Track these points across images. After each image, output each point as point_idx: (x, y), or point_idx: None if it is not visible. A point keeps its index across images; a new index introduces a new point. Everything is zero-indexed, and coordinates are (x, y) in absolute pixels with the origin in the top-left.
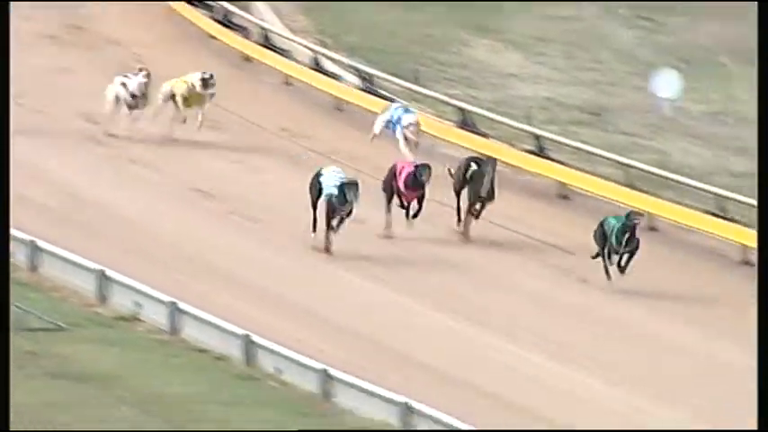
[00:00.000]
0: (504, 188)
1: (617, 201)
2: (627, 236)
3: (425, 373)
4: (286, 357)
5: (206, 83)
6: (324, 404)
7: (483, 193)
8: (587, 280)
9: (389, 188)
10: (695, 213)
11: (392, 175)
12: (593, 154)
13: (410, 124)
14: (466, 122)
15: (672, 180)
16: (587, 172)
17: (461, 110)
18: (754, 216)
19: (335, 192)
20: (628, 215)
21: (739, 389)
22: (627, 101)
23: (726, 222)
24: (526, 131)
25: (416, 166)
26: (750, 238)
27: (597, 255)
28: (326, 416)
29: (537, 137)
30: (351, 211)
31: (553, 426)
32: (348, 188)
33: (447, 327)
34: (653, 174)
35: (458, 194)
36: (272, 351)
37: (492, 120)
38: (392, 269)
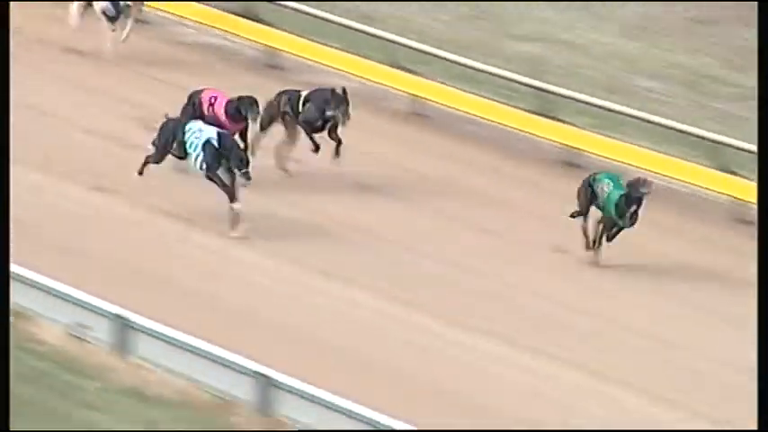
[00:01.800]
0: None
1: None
2: (632, 210)
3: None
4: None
5: None
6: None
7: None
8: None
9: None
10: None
11: (194, 105)
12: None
13: None
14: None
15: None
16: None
17: None
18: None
19: (214, 135)
20: (632, 184)
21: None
22: None
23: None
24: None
25: (239, 98)
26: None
27: (578, 214)
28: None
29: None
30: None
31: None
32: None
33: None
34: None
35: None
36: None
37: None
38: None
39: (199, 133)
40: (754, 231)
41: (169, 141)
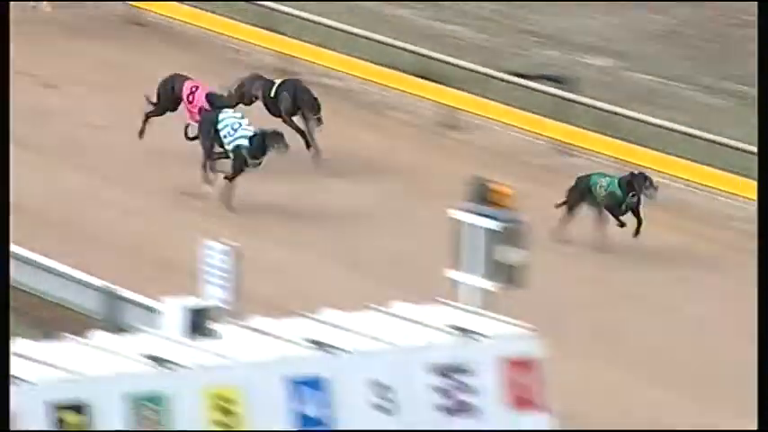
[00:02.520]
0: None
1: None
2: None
3: None
4: None
5: None
6: None
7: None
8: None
9: (169, 104)
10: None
11: (171, 88)
12: None
13: None
14: None
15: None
16: None
17: None
18: None
19: (246, 144)
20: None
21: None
22: None
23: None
24: None
25: (217, 98)
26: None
27: (566, 206)
28: None
29: None
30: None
31: None
32: (271, 139)
33: None
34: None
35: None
36: None
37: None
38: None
39: (237, 125)
40: None
41: (210, 138)
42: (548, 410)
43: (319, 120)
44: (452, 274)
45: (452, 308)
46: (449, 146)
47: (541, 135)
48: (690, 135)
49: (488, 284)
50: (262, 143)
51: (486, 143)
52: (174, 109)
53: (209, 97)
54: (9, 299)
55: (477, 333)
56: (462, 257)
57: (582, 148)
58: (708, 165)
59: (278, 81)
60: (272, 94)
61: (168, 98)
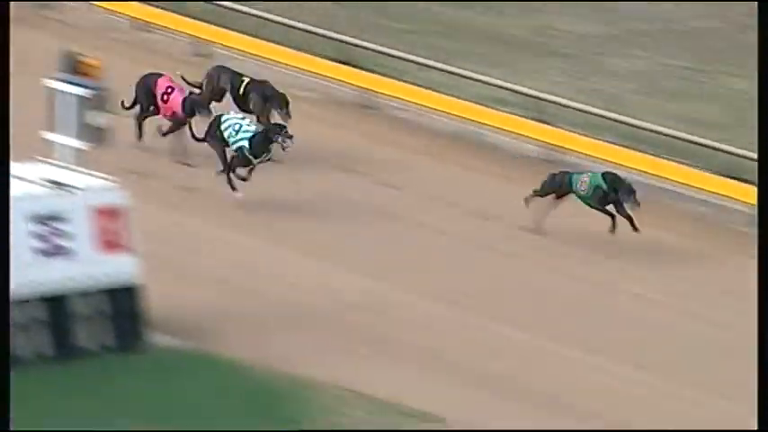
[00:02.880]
0: None
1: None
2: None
3: None
4: None
5: None
6: None
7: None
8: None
9: (147, 103)
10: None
11: (149, 87)
12: None
13: None
14: None
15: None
16: None
17: None
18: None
19: (246, 145)
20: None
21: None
22: None
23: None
24: None
25: (192, 99)
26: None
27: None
28: None
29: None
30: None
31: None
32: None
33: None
34: None
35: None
36: None
37: None
38: None
39: (237, 126)
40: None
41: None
42: (132, 252)
43: (288, 114)
44: (48, 135)
45: (49, 165)
46: (42, 24)
47: (123, 14)
48: (296, 28)
49: (80, 144)
50: (263, 140)
51: (75, 21)
52: (149, 107)
53: (187, 100)
54: (9, 298)
55: (71, 186)
56: (57, 121)
57: (156, 24)
58: (311, 52)
59: (246, 79)
60: (242, 92)
61: (145, 98)
